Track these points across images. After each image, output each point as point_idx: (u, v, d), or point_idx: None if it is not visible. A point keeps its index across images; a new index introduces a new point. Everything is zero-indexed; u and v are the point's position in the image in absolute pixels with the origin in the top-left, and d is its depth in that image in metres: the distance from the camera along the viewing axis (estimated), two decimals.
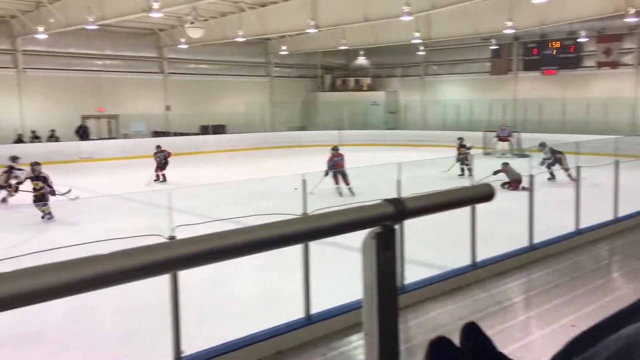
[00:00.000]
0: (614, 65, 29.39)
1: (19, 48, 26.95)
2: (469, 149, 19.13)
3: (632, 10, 20.76)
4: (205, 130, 32.25)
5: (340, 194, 14.97)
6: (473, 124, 30.89)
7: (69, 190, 13.84)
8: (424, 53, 34.71)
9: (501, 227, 10.28)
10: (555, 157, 17.05)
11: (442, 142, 25.81)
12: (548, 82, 31.75)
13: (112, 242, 3.39)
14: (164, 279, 4.84)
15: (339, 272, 7.59)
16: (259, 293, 8.07)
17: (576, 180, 10.22)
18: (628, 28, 27.82)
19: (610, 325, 0.65)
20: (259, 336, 5.65)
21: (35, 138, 26.75)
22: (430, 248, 9.23)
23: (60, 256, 0.97)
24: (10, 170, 14.83)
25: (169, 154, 19.16)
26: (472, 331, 0.86)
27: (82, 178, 19.65)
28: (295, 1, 24.74)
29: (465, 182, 16.49)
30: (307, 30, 24.73)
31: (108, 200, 14.36)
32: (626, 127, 26.24)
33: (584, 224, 9.69)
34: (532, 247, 8.68)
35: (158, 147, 19.40)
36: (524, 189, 14.42)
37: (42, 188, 13.15)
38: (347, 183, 15.07)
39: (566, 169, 16.14)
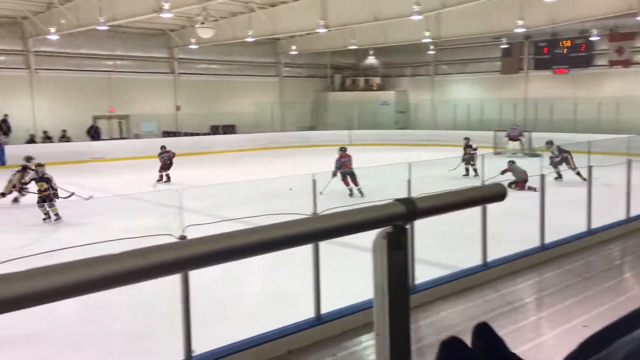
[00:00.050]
0: (627, 63, 29.16)
1: (31, 49, 27.13)
2: (475, 149, 18.99)
3: None
4: (215, 130, 32.32)
5: (351, 194, 14.94)
6: (483, 124, 30.74)
7: (72, 194, 13.89)
8: (434, 52, 34.50)
9: (510, 227, 10.23)
10: (562, 156, 16.93)
11: (452, 142, 25.67)
12: (559, 81, 31.52)
13: (123, 242, 3.40)
14: (174, 279, 4.85)
15: (349, 272, 7.61)
16: (269, 293, 8.07)
17: (587, 180, 10.15)
18: None
19: (624, 326, 0.65)
20: (269, 336, 5.65)
21: (47, 138, 26.97)
22: (439, 248, 9.21)
23: (71, 256, 0.97)
24: (24, 170, 14.95)
25: (173, 155, 19.20)
26: (484, 331, 0.86)
27: (94, 178, 19.79)
28: (305, 1, 24.75)
29: (470, 182, 16.43)
30: (317, 30, 24.73)
31: (119, 200, 14.43)
32: (638, 126, 25.94)
33: (595, 224, 9.62)
34: (544, 247, 8.63)
35: (163, 147, 19.47)
36: (529, 188, 14.39)
37: (46, 189, 13.16)
38: (356, 184, 15.01)
39: (573, 168, 16.03)
